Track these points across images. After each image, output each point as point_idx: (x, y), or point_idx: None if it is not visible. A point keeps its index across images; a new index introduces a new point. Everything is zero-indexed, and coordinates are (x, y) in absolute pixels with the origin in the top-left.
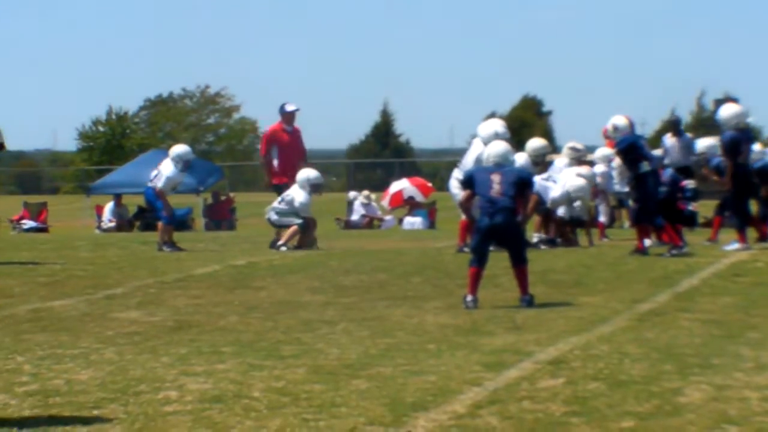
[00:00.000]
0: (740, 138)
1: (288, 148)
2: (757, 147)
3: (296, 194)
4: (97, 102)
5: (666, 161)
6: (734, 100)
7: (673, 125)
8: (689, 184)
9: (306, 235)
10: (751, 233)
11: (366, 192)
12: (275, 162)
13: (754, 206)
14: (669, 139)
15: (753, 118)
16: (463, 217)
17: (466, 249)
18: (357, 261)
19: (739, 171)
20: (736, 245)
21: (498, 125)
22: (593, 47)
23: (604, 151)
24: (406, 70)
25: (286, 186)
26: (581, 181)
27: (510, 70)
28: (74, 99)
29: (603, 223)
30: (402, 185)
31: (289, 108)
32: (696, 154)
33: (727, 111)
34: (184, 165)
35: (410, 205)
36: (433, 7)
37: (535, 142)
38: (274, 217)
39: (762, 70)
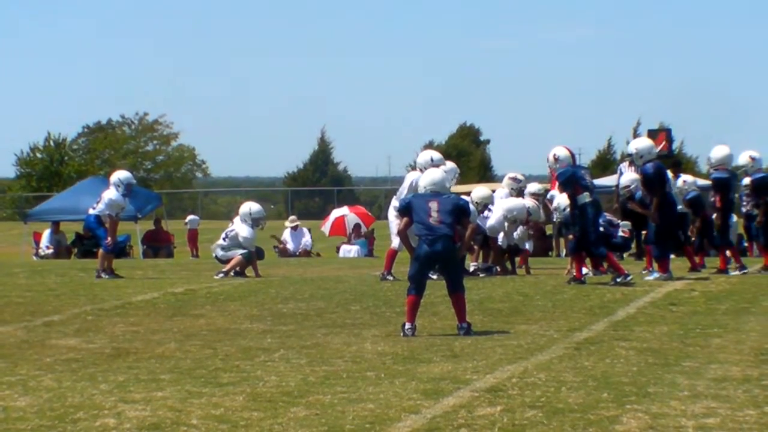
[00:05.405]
0: (663, 167)
1: None
2: (689, 178)
3: (239, 228)
4: (35, 128)
5: None
6: (667, 130)
7: (674, 165)
8: (624, 225)
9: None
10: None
11: (292, 217)
12: None
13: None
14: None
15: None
16: (393, 245)
17: (389, 277)
18: (295, 288)
19: (664, 201)
20: (656, 275)
21: (433, 152)
22: (531, 76)
23: (536, 187)
24: (345, 98)
25: None
26: (517, 201)
27: (448, 98)
28: (12, 125)
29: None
30: (342, 212)
31: None
32: (620, 189)
33: (642, 144)
34: (126, 188)
35: (356, 234)
36: (372, 35)
37: (481, 191)
38: (220, 253)
39: (695, 99)
